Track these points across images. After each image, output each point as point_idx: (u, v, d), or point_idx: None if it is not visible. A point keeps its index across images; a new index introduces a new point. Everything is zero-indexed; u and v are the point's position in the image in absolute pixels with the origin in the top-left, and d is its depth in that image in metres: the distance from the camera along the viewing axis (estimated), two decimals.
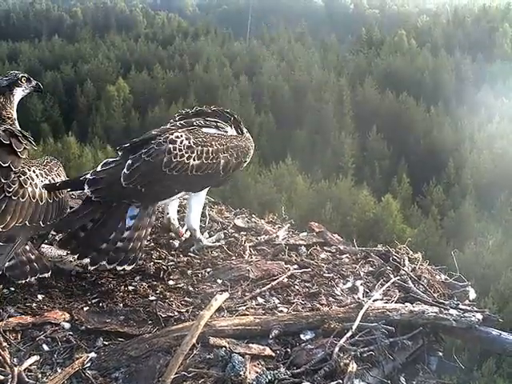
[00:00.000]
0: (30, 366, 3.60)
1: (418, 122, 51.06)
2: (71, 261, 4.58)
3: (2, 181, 4.12)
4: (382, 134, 49.27)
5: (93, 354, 3.72)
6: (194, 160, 4.53)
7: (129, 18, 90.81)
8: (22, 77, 4.66)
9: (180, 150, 4.49)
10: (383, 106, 53.11)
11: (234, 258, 4.82)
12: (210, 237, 5.11)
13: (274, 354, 3.70)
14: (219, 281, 4.50)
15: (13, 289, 4.32)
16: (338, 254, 5.04)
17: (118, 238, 4.36)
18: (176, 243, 5.02)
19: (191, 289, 4.39)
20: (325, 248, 5.13)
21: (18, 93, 4.65)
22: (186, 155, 4.51)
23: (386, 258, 4.93)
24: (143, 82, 59.85)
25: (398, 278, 4.57)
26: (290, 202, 35.53)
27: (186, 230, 5.12)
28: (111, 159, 4.62)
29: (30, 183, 4.23)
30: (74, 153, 43.38)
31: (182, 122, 4.78)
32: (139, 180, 4.38)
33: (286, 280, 4.49)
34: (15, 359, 3.63)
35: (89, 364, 3.64)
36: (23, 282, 4.18)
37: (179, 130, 4.62)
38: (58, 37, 74.35)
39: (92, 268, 4.39)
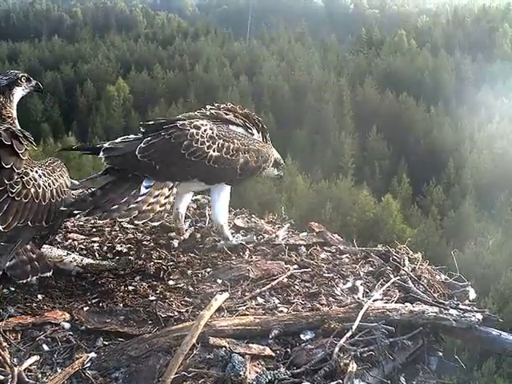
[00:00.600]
0: (30, 365, 3.60)
1: (417, 121, 51.09)
2: (71, 261, 4.58)
3: (6, 182, 4.12)
4: (382, 134, 49.29)
5: (93, 354, 3.72)
6: (214, 151, 4.56)
7: (129, 18, 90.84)
8: (22, 76, 4.66)
9: (202, 137, 4.53)
10: (383, 106, 53.13)
11: (233, 257, 4.82)
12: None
13: (273, 354, 3.70)
14: (219, 281, 4.50)
15: (13, 289, 4.33)
16: (338, 254, 5.04)
17: (130, 202, 4.32)
18: (175, 243, 5.02)
19: (191, 289, 4.39)
20: (325, 248, 5.13)
21: (18, 92, 4.65)
22: (207, 144, 4.54)
23: (385, 258, 4.93)
24: (143, 82, 59.88)
25: (398, 278, 4.57)
26: (290, 202, 35.54)
27: (187, 230, 5.11)
28: (132, 135, 4.67)
29: (33, 184, 4.22)
30: (74, 153, 43.35)
31: (212, 111, 4.82)
32: (154, 156, 4.41)
33: (285, 280, 4.49)
34: (15, 359, 3.63)
35: (89, 364, 3.64)
36: (24, 281, 4.17)
37: (205, 120, 4.67)
38: (57, 37, 74.41)
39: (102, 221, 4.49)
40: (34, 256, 4.22)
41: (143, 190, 4.38)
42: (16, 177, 4.16)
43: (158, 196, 4.41)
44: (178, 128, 4.52)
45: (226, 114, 4.83)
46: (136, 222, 4.42)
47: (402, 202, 40.80)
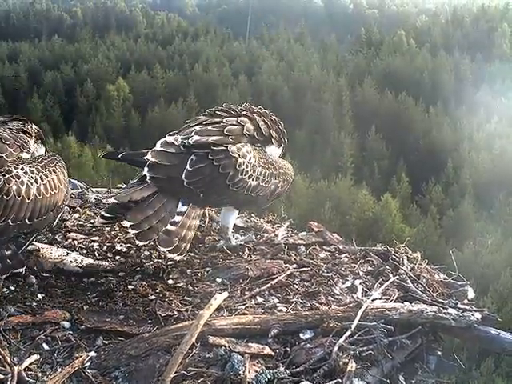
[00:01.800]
0: (30, 365, 3.59)
1: (417, 121, 51.10)
2: (71, 261, 4.58)
3: None
4: (381, 133, 49.30)
5: (93, 353, 3.72)
6: (253, 180, 4.51)
7: (129, 18, 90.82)
8: None
9: (246, 167, 4.45)
10: (382, 106, 53.13)
11: (233, 257, 4.83)
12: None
13: (273, 353, 3.71)
14: (218, 280, 4.50)
15: (13, 288, 4.33)
16: (337, 254, 5.04)
17: (168, 220, 4.26)
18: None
19: (191, 288, 4.40)
20: (324, 247, 5.13)
21: None
22: (249, 173, 4.47)
23: (385, 257, 4.94)
24: (143, 82, 59.85)
25: (397, 277, 4.58)
26: (290, 202, 35.52)
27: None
28: (172, 139, 4.44)
29: (16, 181, 4.16)
30: (74, 152, 43.37)
31: (247, 121, 4.59)
32: (200, 184, 4.33)
33: (285, 279, 4.49)
34: (15, 358, 3.63)
35: (89, 363, 3.64)
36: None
37: (248, 144, 4.50)
38: (57, 37, 74.38)
39: (140, 244, 4.34)
40: (8, 253, 4.17)
41: (180, 208, 4.33)
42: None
43: (191, 221, 4.36)
44: (227, 155, 4.38)
45: (263, 125, 4.65)
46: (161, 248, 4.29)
47: (401, 202, 40.80)
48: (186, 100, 56.02)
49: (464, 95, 52.08)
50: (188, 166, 4.32)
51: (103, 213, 4.45)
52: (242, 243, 4.97)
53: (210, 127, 4.51)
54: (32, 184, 4.24)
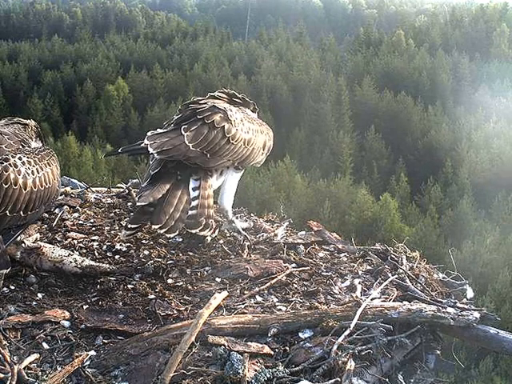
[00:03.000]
0: (30, 364, 3.60)
1: (415, 121, 51.16)
2: (71, 261, 4.58)
3: None
4: (380, 133, 49.35)
5: (92, 352, 3.72)
6: (246, 133, 4.71)
7: (128, 18, 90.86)
8: None
9: (235, 120, 4.64)
10: (381, 106, 53.19)
11: (232, 256, 4.83)
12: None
13: (272, 353, 3.71)
14: (218, 279, 4.51)
15: (13, 287, 4.34)
16: (337, 253, 5.05)
17: (187, 208, 4.41)
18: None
19: (190, 287, 4.40)
20: (323, 247, 5.13)
21: None
22: (240, 126, 4.65)
23: (384, 256, 4.94)
24: (142, 82, 59.88)
25: (396, 276, 4.57)
26: (289, 201, 35.57)
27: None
28: (159, 130, 4.64)
29: (13, 170, 4.13)
30: (74, 152, 43.37)
31: (217, 96, 4.88)
32: (204, 144, 4.49)
33: (284, 278, 4.49)
34: (15, 357, 3.63)
35: (88, 362, 3.64)
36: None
37: (228, 105, 4.76)
38: (57, 37, 74.42)
39: (172, 235, 4.46)
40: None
41: (192, 193, 4.48)
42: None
43: (208, 197, 4.53)
44: (214, 112, 4.58)
45: (230, 98, 4.94)
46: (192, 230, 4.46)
47: (400, 201, 40.86)
48: (185, 100, 55.79)
49: (463, 95, 52.17)
50: (185, 132, 4.48)
51: (129, 225, 4.44)
52: (244, 227, 5.10)
53: (188, 112, 4.69)
54: (29, 175, 4.21)
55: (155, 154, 4.38)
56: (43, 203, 4.36)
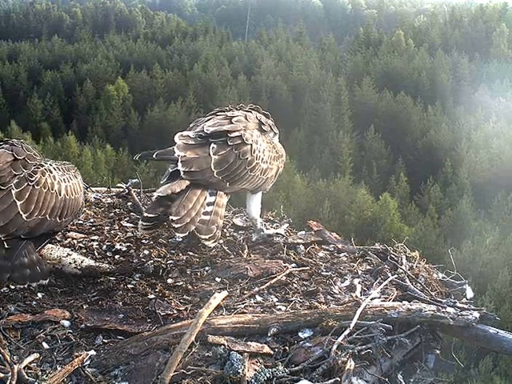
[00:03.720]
0: (30, 363, 3.60)
1: (415, 121, 51.20)
2: (70, 262, 4.58)
3: (24, 171, 4.13)
4: (380, 133, 49.39)
5: (92, 352, 3.72)
6: (264, 163, 4.78)
7: (128, 18, 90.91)
8: None
9: (259, 151, 4.71)
10: (381, 106, 53.23)
11: (232, 256, 4.83)
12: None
13: (272, 352, 3.71)
14: (218, 279, 4.51)
15: (13, 287, 4.33)
16: (336, 253, 5.05)
17: (201, 211, 4.44)
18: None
19: (190, 287, 4.40)
20: (323, 246, 5.13)
21: None
22: (261, 157, 4.73)
23: (383, 256, 4.94)
24: (142, 82, 59.92)
25: (396, 276, 4.57)
26: (288, 201, 35.59)
27: None
28: (186, 133, 4.61)
29: (49, 175, 4.23)
30: (74, 152, 43.40)
31: (249, 114, 4.88)
32: (227, 173, 4.55)
33: (284, 278, 4.49)
34: (15, 357, 3.63)
35: (88, 362, 3.64)
36: (21, 286, 4.14)
37: (256, 130, 4.79)
38: (57, 37, 74.46)
39: (182, 235, 4.47)
40: (35, 259, 4.16)
41: (209, 198, 4.51)
42: (32, 167, 4.18)
43: (221, 210, 4.59)
44: (243, 142, 4.62)
45: (261, 117, 4.95)
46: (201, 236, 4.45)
47: (400, 201, 40.90)
48: (185, 100, 56.06)
49: (462, 95, 52.21)
50: (213, 155, 4.52)
51: (146, 214, 4.42)
52: (273, 233, 5.13)
53: (218, 119, 4.74)
54: (62, 182, 4.30)
55: (182, 174, 4.40)
56: (73, 213, 4.42)
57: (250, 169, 4.66)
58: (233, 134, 4.61)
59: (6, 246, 3.99)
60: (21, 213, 4.02)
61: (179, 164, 4.41)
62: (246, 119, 4.81)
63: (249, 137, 4.67)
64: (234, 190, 4.73)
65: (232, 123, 4.69)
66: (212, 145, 4.54)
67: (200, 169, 4.46)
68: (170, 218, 4.29)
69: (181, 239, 5.09)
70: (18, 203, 4.03)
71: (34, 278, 4.11)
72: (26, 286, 4.15)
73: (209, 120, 4.77)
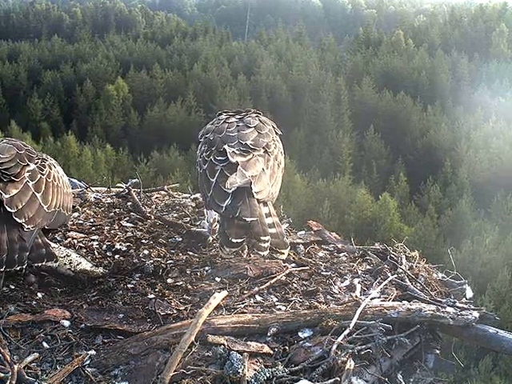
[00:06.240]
0: (30, 363, 3.59)
1: (415, 121, 51.24)
2: (65, 263, 4.57)
3: (31, 164, 4.15)
4: (380, 133, 49.42)
5: (92, 352, 3.72)
6: (277, 182, 4.72)
7: (128, 18, 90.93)
8: None
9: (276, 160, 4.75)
10: (380, 106, 53.26)
11: (232, 256, 4.83)
12: None
13: (272, 352, 3.71)
14: (218, 279, 4.50)
15: (13, 287, 4.34)
16: (336, 253, 5.05)
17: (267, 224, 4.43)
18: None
19: (190, 287, 4.40)
20: (323, 246, 5.14)
21: None
22: (275, 177, 4.66)
23: (383, 256, 4.95)
24: (142, 82, 59.94)
25: (396, 276, 4.57)
26: (288, 201, 35.58)
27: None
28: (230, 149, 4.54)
29: (54, 169, 4.29)
30: (74, 151, 43.40)
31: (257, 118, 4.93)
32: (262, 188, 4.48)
33: (284, 278, 4.49)
34: (15, 357, 3.63)
35: (88, 361, 3.63)
36: (39, 264, 4.11)
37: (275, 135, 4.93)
38: (57, 37, 74.49)
39: (264, 254, 4.33)
40: (46, 242, 4.21)
41: (264, 209, 4.47)
42: (39, 161, 4.22)
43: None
44: (268, 155, 4.64)
45: (267, 126, 4.96)
46: None
47: (400, 201, 40.93)
48: (184, 99, 56.08)
49: (462, 95, 52.24)
50: (266, 170, 4.56)
51: (233, 240, 4.23)
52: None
53: (249, 132, 4.70)
54: (63, 176, 4.35)
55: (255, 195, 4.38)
56: (72, 207, 4.47)
57: (275, 177, 4.67)
58: (269, 150, 4.68)
59: (24, 230, 4.01)
60: (42, 205, 4.07)
61: (254, 187, 4.34)
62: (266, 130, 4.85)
63: (273, 146, 4.75)
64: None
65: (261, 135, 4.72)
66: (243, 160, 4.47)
67: (264, 187, 4.45)
68: (260, 238, 4.21)
69: (181, 239, 5.09)
70: (38, 195, 4.07)
71: (49, 257, 4.14)
72: (42, 264, 4.11)
73: (231, 131, 4.69)
